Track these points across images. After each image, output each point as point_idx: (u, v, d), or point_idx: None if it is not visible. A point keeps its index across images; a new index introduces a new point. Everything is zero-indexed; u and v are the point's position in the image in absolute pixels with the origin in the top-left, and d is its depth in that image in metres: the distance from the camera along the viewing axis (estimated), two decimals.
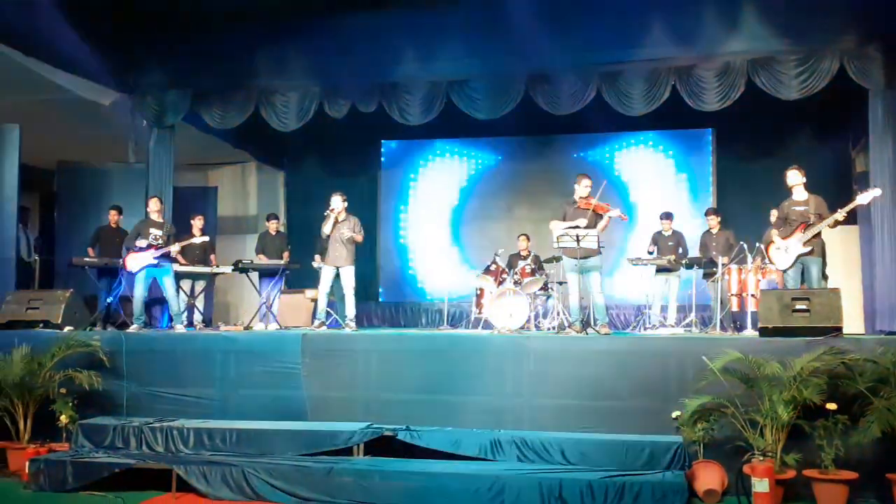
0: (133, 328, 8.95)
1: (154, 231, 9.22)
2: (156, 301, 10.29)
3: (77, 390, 7.52)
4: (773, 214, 8.82)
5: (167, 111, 10.93)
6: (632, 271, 10.85)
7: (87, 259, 10.03)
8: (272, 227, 11.20)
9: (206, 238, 9.99)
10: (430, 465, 6.42)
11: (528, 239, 11.06)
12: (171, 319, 9.49)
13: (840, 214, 7.66)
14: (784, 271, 8.06)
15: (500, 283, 9.82)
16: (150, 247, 9.09)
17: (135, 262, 9.13)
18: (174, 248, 9.33)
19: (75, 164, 11.57)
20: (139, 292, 9.14)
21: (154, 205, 9.48)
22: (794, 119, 11.44)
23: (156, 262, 9.13)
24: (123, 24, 10.42)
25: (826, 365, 6.10)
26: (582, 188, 8.56)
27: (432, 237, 13.82)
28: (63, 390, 7.48)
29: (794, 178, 8.05)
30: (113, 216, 10.50)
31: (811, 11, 9.09)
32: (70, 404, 7.45)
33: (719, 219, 10.39)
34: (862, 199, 7.81)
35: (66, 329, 8.57)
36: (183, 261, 10.51)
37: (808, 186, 8.09)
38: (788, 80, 9.16)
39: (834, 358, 6.14)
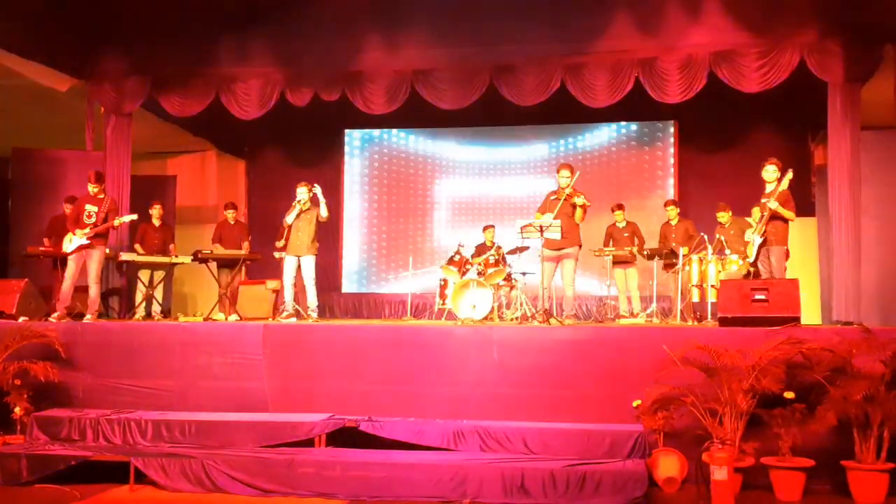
0: (55, 315, 8.62)
1: (89, 208, 8.88)
2: (113, 291, 10.13)
3: (32, 382, 7.34)
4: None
5: (125, 98, 10.73)
6: (593, 262, 10.92)
7: (41, 248, 9.84)
8: (230, 216, 11.05)
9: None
10: (393, 456, 6.39)
11: (493, 230, 11.07)
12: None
13: (771, 205, 7.79)
14: (752, 262, 8.22)
15: (464, 273, 9.82)
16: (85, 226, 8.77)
17: (69, 243, 8.85)
18: (105, 227, 8.87)
19: (31, 151, 11.32)
20: (68, 273, 8.79)
21: (89, 184, 9.00)
22: (755, 112, 11.59)
23: (87, 241, 8.79)
24: (81, 9, 10.21)
25: (784, 354, 6.17)
26: (561, 179, 8.63)
27: (395, 227, 13.79)
28: (17, 382, 7.29)
29: (769, 172, 8.12)
30: (67, 208, 10.25)
31: (772, 5, 9.21)
32: (25, 396, 7.28)
33: (678, 210, 10.49)
34: (782, 185, 7.94)
35: (21, 319, 8.40)
36: (141, 250, 10.36)
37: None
38: (749, 72, 9.27)
39: (792, 347, 6.21)
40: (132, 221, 9.42)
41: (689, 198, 12.28)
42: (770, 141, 12.08)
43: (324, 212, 9.16)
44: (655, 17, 9.50)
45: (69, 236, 8.90)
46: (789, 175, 7.96)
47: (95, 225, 8.84)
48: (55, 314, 8.64)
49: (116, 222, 9.04)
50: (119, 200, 10.46)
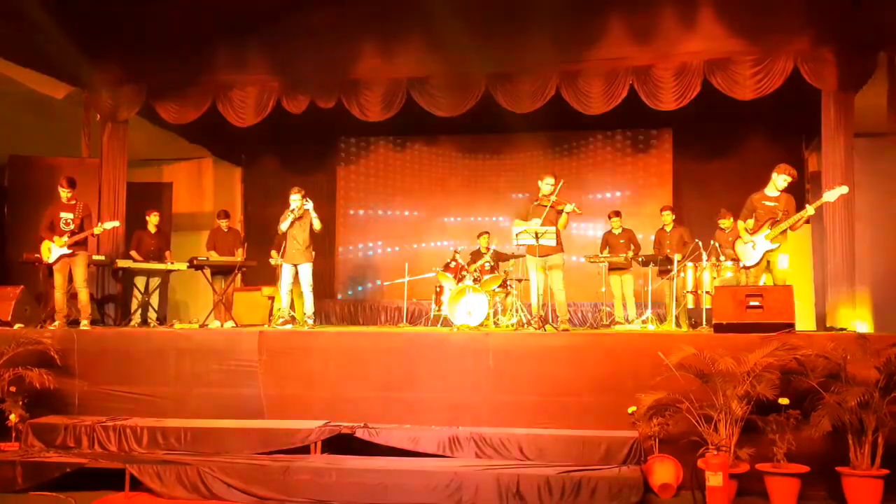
0: (53, 325, 8.57)
1: (64, 216, 8.75)
2: (108, 298, 10.10)
3: (27, 389, 7.33)
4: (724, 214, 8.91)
5: (122, 105, 10.74)
6: (588, 269, 10.94)
7: (37, 255, 9.81)
8: (223, 224, 11.06)
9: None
10: (388, 463, 6.40)
11: (489, 236, 11.09)
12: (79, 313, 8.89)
13: (810, 210, 7.74)
14: (749, 268, 8.09)
15: (460, 280, 9.83)
16: (62, 233, 8.66)
17: (50, 252, 8.75)
18: (86, 234, 8.80)
19: (27, 158, 11.32)
20: (58, 283, 8.72)
21: (62, 190, 8.83)
22: (749, 119, 11.63)
23: (70, 251, 8.70)
24: (77, 16, 10.21)
25: (779, 360, 6.19)
26: (545, 186, 8.62)
27: (391, 234, 13.79)
28: (13, 389, 7.30)
29: (784, 181, 7.99)
30: None
31: (766, 13, 9.25)
32: (20, 403, 7.28)
33: (673, 216, 10.52)
34: (829, 196, 7.81)
35: (17, 326, 8.39)
36: (138, 257, 10.36)
37: (761, 184, 8.18)
38: (744, 80, 9.30)
39: (786, 353, 6.24)
40: (124, 228, 9.37)
41: (684, 205, 12.32)
42: (764, 148, 12.12)
43: (316, 224, 9.17)
44: (650, 25, 9.55)
45: (47, 244, 8.79)
46: (844, 190, 7.85)
47: (73, 232, 8.74)
48: (54, 324, 8.63)
49: (98, 230, 8.93)
50: (115, 207, 10.48)
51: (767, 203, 7.99)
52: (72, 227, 8.74)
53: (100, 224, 9.03)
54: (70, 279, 8.83)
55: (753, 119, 11.69)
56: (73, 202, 8.89)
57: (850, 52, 8.95)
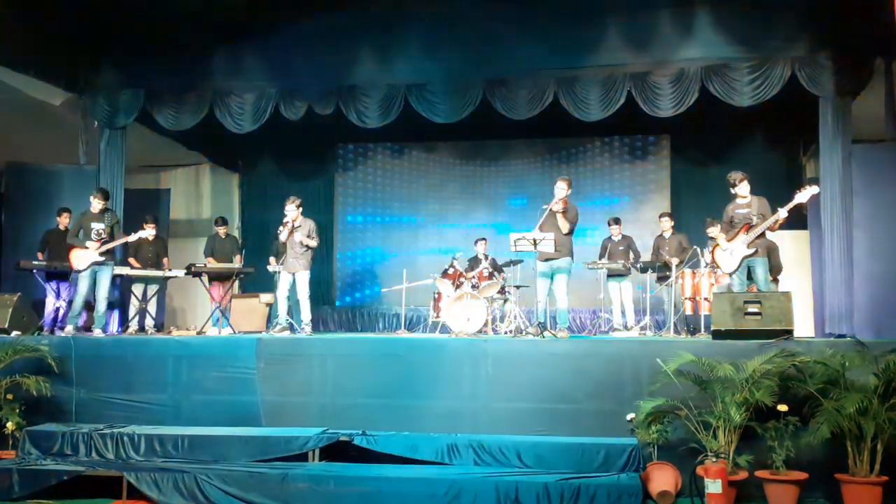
0: (68, 329, 8.67)
1: (95, 226, 8.91)
2: (108, 304, 10.07)
3: (24, 396, 7.35)
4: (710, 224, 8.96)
5: (119, 112, 10.72)
6: (586, 275, 10.93)
7: (34, 262, 9.82)
8: (221, 231, 11.07)
9: (153, 232, 9.70)
10: (387, 470, 6.38)
11: (486, 243, 11.08)
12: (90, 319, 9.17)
13: (782, 213, 7.76)
14: (730, 274, 8.12)
15: (458, 286, 9.81)
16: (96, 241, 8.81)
17: (80, 259, 8.85)
18: (119, 242, 9.06)
19: (24, 164, 11.31)
20: (83, 289, 8.84)
21: (95, 200, 9.04)
22: (747, 125, 11.64)
23: (102, 259, 8.85)
24: (75, 22, 10.22)
25: (777, 367, 6.22)
26: (559, 190, 8.60)
27: (389, 241, 13.78)
28: (9, 396, 7.31)
29: (745, 187, 8.11)
30: (63, 219, 10.23)
31: (764, 20, 9.26)
32: (17, 411, 7.27)
33: (672, 222, 10.51)
34: (801, 196, 7.83)
35: (14, 334, 8.38)
36: (136, 264, 10.34)
37: (758, 191, 8.19)
38: (741, 87, 9.30)
39: (785, 360, 6.26)
40: (116, 220, 9.40)
41: (683, 211, 12.31)
42: (762, 154, 12.15)
43: (311, 244, 9.23)
44: (648, 31, 9.54)
45: (76, 252, 8.90)
46: (815, 190, 7.95)
47: (105, 241, 8.89)
48: (68, 327, 8.72)
49: (133, 237, 9.22)
50: None
51: (741, 211, 8.08)
52: (103, 236, 8.91)
53: (133, 232, 9.26)
54: (92, 287, 8.93)
55: (751, 125, 11.71)
56: (105, 212, 9.07)
57: (847, 59, 8.96)
